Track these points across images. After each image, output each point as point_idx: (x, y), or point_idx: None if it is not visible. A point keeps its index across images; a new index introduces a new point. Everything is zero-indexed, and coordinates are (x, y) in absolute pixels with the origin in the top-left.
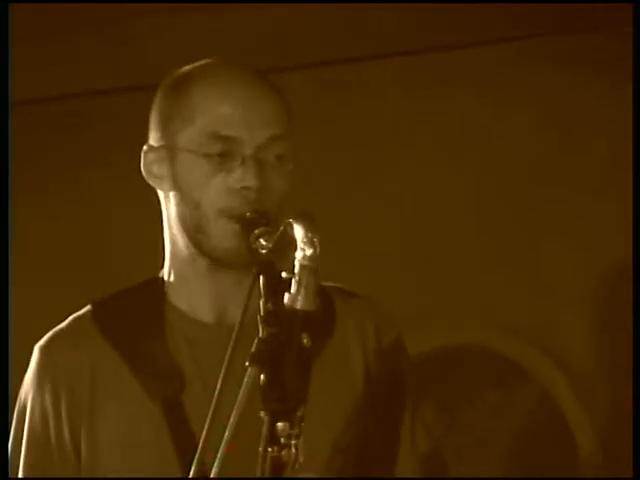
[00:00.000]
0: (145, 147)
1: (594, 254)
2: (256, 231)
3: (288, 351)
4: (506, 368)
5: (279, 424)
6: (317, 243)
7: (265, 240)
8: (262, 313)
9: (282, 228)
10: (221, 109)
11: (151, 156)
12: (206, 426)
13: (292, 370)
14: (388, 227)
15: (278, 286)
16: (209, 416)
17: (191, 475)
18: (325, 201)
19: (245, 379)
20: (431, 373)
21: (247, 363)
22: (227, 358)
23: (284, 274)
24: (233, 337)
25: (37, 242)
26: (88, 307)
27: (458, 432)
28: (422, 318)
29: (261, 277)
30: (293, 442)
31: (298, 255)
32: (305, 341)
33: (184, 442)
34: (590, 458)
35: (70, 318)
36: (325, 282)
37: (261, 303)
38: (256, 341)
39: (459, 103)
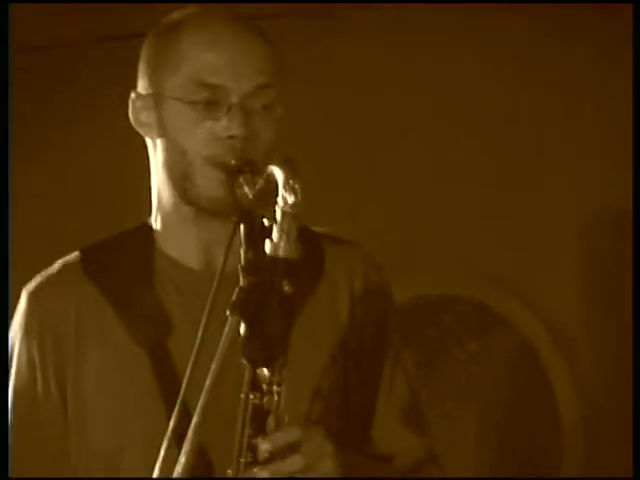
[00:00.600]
0: (133, 94)
1: (580, 207)
2: (240, 179)
3: (269, 299)
4: (486, 318)
5: (261, 371)
6: (299, 190)
7: (249, 188)
8: (242, 262)
9: (265, 175)
10: (208, 57)
11: (139, 103)
12: (188, 371)
13: (273, 318)
14: (375, 176)
15: (259, 235)
16: (191, 361)
17: (173, 420)
18: (313, 148)
19: (226, 328)
20: (413, 321)
21: (228, 312)
22: (208, 307)
23: (266, 221)
24: (214, 285)
25: (37, 190)
26: (77, 253)
27: (438, 381)
28: (406, 267)
29: (241, 226)
30: (275, 389)
31: (280, 202)
32: (286, 288)
33: (170, 388)
34: (568, 407)
35: (58, 263)
36: (315, 227)
37: (242, 252)
38: (237, 290)
39: (452, 57)
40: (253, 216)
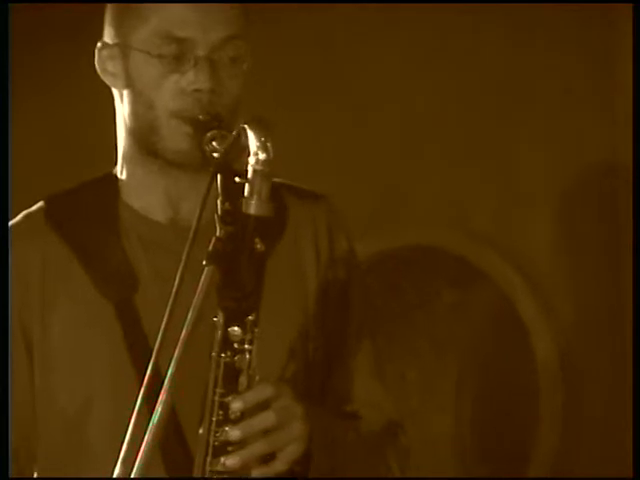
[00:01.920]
0: (99, 44)
1: (562, 162)
2: (208, 134)
3: (242, 256)
4: (465, 270)
5: (232, 329)
6: (270, 148)
7: (218, 143)
8: (219, 212)
9: (235, 133)
10: (175, 9)
11: (105, 53)
12: (163, 326)
13: (246, 272)
14: (355, 127)
15: (235, 186)
16: (166, 315)
17: (146, 377)
18: (291, 102)
19: (202, 278)
20: (389, 274)
21: (204, 262)
22: (184, 256)
23: (237, 179)
24: (191, 235)
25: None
26: (41, 203)
27: (415, 332)
28: (388, 217)
29: (218, 177)
30: (247, 347)
31: (251, 160)
32: (258, 246)
33: (137, 343)
34: (546, 361)
35: (22, 214)
36: (277, 179)
37: (218, 202)
38: (213, 240)
39: (437, 14)
40: (229, 168)
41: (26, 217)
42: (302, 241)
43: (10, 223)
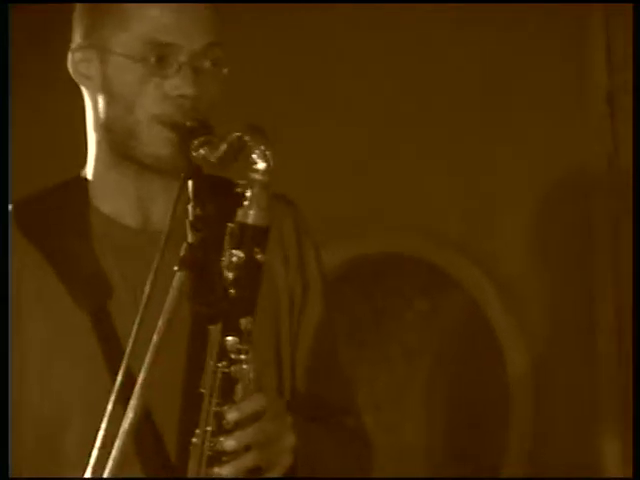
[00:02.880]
0: (73, 45)
1: (533, 169)
2: (196, 140)
3: (213, 261)
4: (436, 277)
5: (229, 339)
6: (270, 157)
7: (208, 150)
8: (191, 218)
9: (230, 140)
10: (158, 15)
11: (79, 55)
12: (134, 332)
13: (218, 275)
14: (327, 134)
15: (207, 191)
16: (137, 321)
17: (118, 383)
18: (262, 107)
19: (174, 283)
20: (359, 281)
21: (176, 267)
22: (156, 262)
23: (238, 189)
24: (162, 241)
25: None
26: (9, 207)
27: (386, 340)
28: (359, 224)
29: (190, 182)
30: (243, 357)
31: (251, 169)
32: (259, 257)
33: (111, 350)
34: (517, 368)
35: None
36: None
37: (190, 208)
38: (185, 246)
39: (415, 13)
40: (200, 173)
41: None
42: (271, 248)
43: None
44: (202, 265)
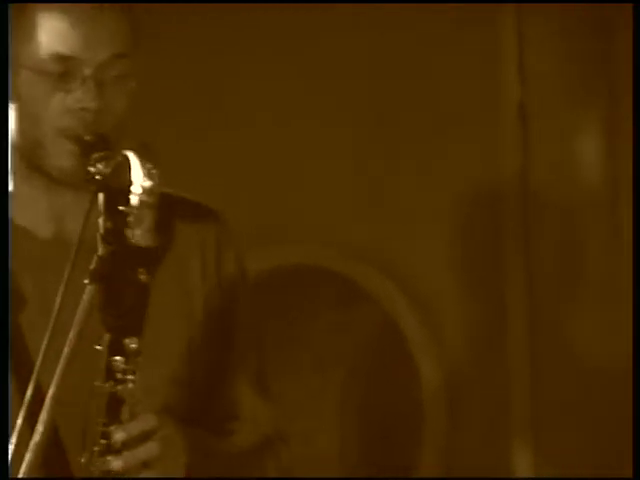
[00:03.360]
0: None
1: (447, 179)
2: (94, 155)
3: (122, 276)
4: (348, 289)
5: (115, 358)
6: (156, 176)
7: (103, 165)
8: (102, 231)
9: (120, 159)
10: (62, 27)
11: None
12: (44, 346)
13: (130, 288)
14: (235, 145)
15: (118, 204)
16: (47, 334)
17: (27, 397)
18: (177, 115)
19: (84, 296)
20: (271, 292)
21: (86, 281)
22: (66, 274)
23: (121, 208)
24: (72, 254)
25: None
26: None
27: (298, 351)
28: (265, 236)
29: (101, 195)
30: (129, 377)
31: (135, 188)
32: (142, 277)
33: (22, 365)
34: (430, 380)
35: None
36: (170, 189)
37: (100, 221)
38: (95, 259)
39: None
40: (111, 186)
41: None
42: (190, 261)
43: None
44: (112, 278)
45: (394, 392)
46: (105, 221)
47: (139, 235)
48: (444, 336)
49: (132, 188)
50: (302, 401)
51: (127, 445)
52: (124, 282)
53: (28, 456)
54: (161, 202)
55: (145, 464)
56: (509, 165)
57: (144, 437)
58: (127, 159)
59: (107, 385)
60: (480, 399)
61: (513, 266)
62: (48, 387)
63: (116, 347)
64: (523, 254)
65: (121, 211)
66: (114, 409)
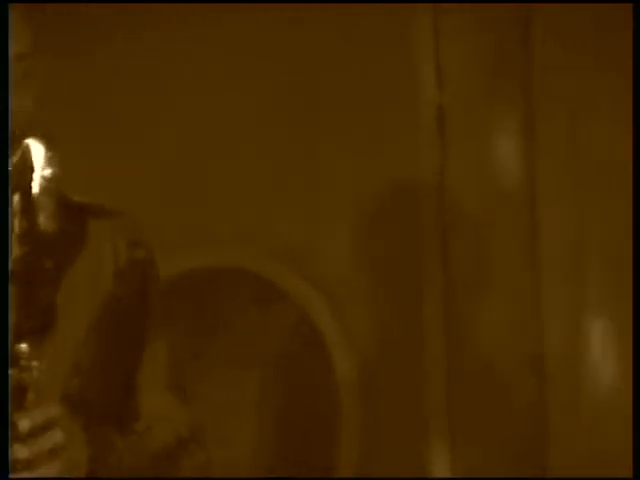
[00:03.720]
0: None
1: (357, 176)
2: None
3: (36, 274)
4: (264, 289)
5: (20, 345)
6: (56, 163)
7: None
8: (17, 232)
9: (21, 148)
10: None
11: None
12: None
13: (41, 290)
14: (150, 147)
15: (32, 204)
16: None
17: None
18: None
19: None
20: (188, 294)
21: None
22: None
23: (21, 194)
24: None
25: None
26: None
27: (214, 352)
28: (182, 238)
29: (16, 195)
30: (34, 364)
31: (36, 176)
32: (47, 265)
33: None
34: (345, 377)
35: None
36: (78, 198)
37: (16, 222)
38: (13, 260)
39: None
40: (26, 185)
41: None
42: (100, 257)
43: None
44: (26, 279)
45: (312, 391)
46: (21, 221)
47: (40, 221)
48: (360, 334)
49: (33, 175)
50: (219, 401)
51: (32, 433)
52: (36, 280)
53: None
54: (68, 207)
55: (51, 453)
56: (426, 164)
57: (49, 425)
58: (28, 148)
59: (11, 372)
60: (396, 396)
61: (429, 263)
62: None
63: (20, 333)
64: (439, 252)
65: (34, 208)
66: (19, 397)
